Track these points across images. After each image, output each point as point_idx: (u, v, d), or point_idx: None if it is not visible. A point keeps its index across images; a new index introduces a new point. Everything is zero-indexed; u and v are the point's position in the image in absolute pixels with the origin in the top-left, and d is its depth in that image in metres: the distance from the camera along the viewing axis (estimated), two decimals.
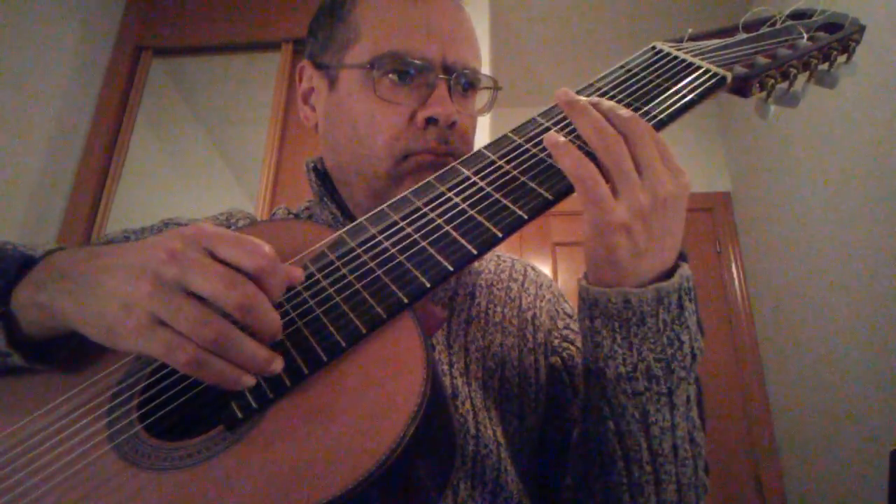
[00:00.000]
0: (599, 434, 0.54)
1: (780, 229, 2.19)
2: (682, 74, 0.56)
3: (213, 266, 0.41)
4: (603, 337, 0.51)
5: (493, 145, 0.54)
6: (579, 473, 0.58)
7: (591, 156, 0.48)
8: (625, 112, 0.50)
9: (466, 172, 0.52)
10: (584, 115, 0.50)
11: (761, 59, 0.57)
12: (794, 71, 0.57)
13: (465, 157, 0.54)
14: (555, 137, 0.50)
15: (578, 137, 0.51)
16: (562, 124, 0.54)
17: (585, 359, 0.55)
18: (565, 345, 0.72)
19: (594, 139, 0.49)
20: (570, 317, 0.76)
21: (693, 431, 0.54)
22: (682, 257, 0.52)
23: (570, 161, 0.48)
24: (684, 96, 0.54)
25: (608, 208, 0.47)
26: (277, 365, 0.41)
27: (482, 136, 1.76)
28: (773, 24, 0.61)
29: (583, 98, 0.52)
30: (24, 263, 0.51)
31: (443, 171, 0.53)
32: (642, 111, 0.53)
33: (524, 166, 0.51)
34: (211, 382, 0.41)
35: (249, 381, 0.41)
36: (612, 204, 0.47)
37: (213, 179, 2.44)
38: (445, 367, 0.62)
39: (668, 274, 0.51)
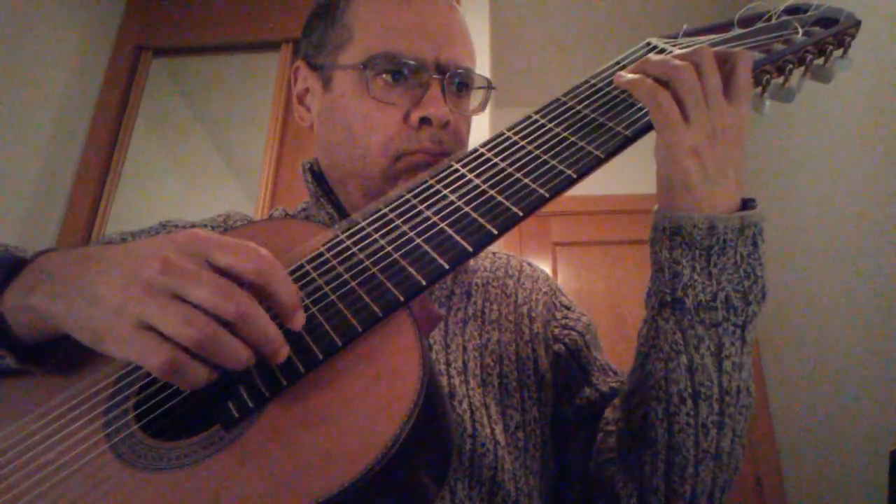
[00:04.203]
0: (668, 372, 0.54)
1: (779, 229, 2.19)
2: None
3: (208, 276, 0.39)
4: (682, 266, 0.53)
5: (488, 143, 0.54)
6: (636, 423, 0.58)
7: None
8: (686, 50, 0.54)
9: (462, 170, 0.52)
10: (648, 62, 0.54)
11: (756, 55, 0.57)
12: (789, 66, 0.57)
13: (460, 154, 0.54)
14: (624, 75, 0.55)
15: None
16: (557, 121, 0.54)
17: (658, 294, 0.55)
18: (566, 332, 0.73)
19: (667, 70, 0.52)
20: (568, 308, 0.76)
21: (750, 381, 0.56)
22: (748, 202, 0.54)
23: (645, 89, 0.52)
24: None
25: (682, 131, 0.51)
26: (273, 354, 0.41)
27: (481, 136, 1.75)
28: (769, 20, 0.61)
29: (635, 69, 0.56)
30: (14, 265, 0.50)
31: (438, 167, 0.53)
32: (636, 107, 0.54)
33: (519, 163, 0.51)
34: (184, 389, 0.41)
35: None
36: (685, 127, 0.51)
37: (213, 180, 2.44)
38: (443, 367, 0.62)
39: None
